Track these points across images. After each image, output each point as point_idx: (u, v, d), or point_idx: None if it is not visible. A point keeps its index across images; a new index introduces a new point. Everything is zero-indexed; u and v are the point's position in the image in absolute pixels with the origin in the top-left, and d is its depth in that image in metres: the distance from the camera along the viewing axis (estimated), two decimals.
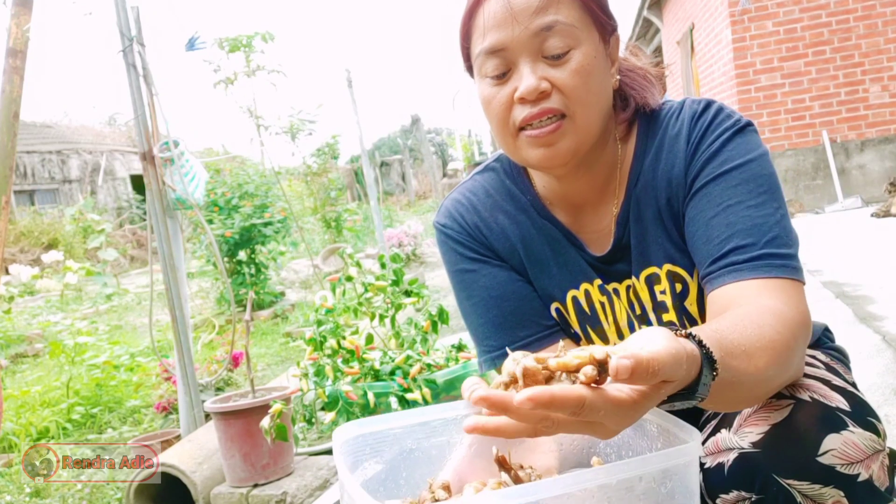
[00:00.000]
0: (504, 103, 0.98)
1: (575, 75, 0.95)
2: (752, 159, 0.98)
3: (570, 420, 0.62)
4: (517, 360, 0.64)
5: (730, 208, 0.96)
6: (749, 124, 1.01)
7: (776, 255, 0.92)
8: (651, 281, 1.07)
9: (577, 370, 0.61)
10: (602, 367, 0.60)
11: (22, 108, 2.30)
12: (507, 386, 0.64)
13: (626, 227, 1.07)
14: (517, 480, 0.74)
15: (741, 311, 0.84)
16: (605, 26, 1.01)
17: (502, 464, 0.75)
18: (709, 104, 1.03)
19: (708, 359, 0.70)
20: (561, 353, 0.64)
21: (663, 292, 1.06)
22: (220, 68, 5.59)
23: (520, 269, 1.13)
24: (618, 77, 1.05)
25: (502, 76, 0.98)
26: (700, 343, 0.70)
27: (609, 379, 0.61)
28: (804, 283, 0.94)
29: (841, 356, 1.13)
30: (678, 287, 1.05)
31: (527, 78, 0.95)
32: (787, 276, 0.91)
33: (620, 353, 0.60)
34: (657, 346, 0.62)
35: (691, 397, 0.69)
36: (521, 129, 0.98)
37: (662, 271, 1.06)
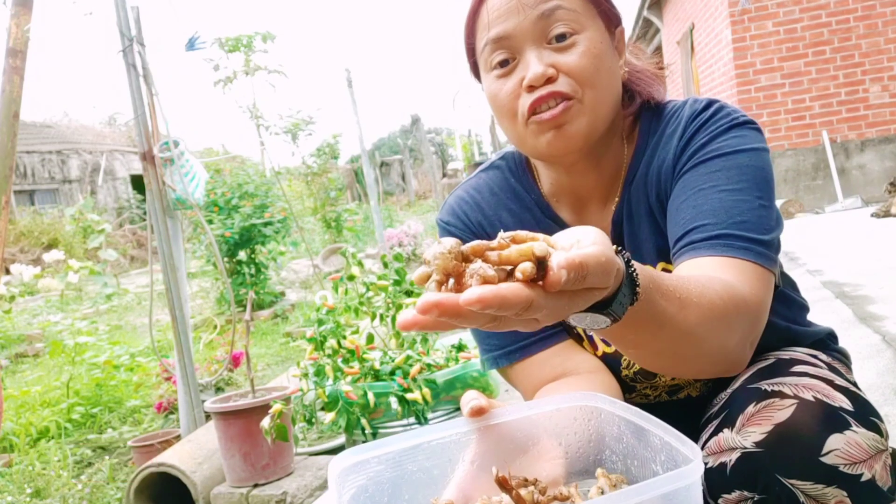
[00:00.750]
0: (511, 93, 0.97)
1: (581, 58, 0.94)
2: (740, 150, 0.95)
3: (508, 318, 0.58)
4: (452, 251, 0.58)
5: (701, 192, 0.94)
6: (749, 122, 0.99)
7: (738, 237, 0.89)
8: None
9: (516, 264, 0.57)
10: (540, 263, 0.56)
11: (22, 108, 2.30)
12: (439, 284, 0.58)
13: (620, 227, 1.07)
14: (518, 501, 0.73)
15: (689, 274, 0.83)
16: (609, 17, 1.00)
17: (503, 485, 0.73)
18: (710, 103, 1.01)
19: (630, 280, 0.67)
20: (502, 241, 0.60)
21: None
22: (219, 68, 5.59)
23: None
24: (626, 69, 1.04)
25: (507, 64, 0.97)
26: (627, 262, 0.67)
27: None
28: (771, 271, 0.90)
29: (843, 358, 1.13)
30: None
31: (533, 65, 0.94)
32: (749, 258, 0.88)
33: (557, 258, 0.56)
34: (589, 249, 0.59)
35: (604, 311, 0.66)
36: (529, 115, 0.97)
37: (657, 269, 1.05)
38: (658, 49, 13.11)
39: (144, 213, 5.71)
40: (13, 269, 8.86)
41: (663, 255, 1.04)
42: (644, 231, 1.05)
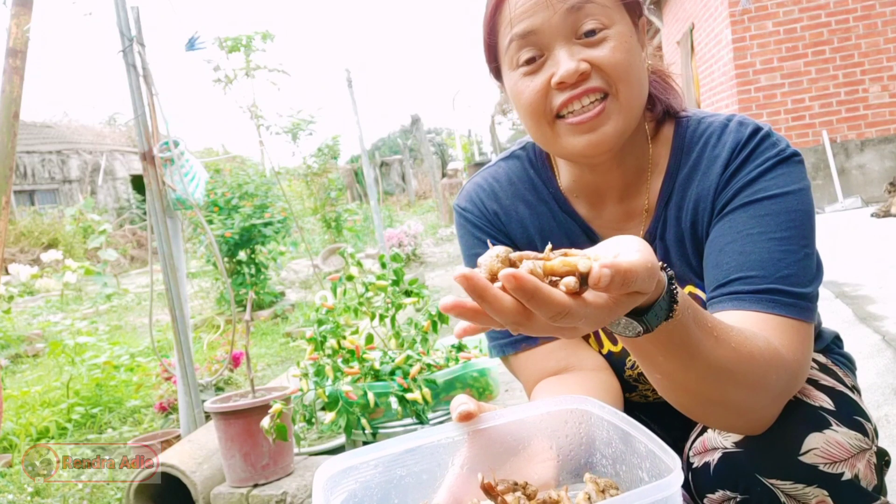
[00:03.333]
0: (539, 91, 0.94)
1: (615, 51, 0.91)
2: (789, 192, 0.92)
3: (545, 323, 0.60)
4: (499, 256, 0.62)
5: (749, 237, 0.90)
6: (795, 154, 0.95)
7: (785, 293, 0.86)
8: None
9: (561, 276, 0.61)
10: (583, 278, 0.60)
11: (22, 108, 2.30)
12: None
13: (653, 245, 1.04)
14: None
15: (733, 323, 0.81)
16: (634, 9, 0.98)
17: (488, 491, 0.73)
18: (756, 131, 0.97)
19: (669, 295, 0.68)
20: (547, 255, 0.63)
21: None
22: (220, 68, 5.59)
23: None
24: (649, 62, 1.02)
25: (534, 61, 0.94)
26: (670, 278, 0.68)
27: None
28: (813, 324, 0.88)
29: (846, 361, 1.13)
30: None
31: (564, 62, 0.91)
32: (793, 315, 0.85)
33: (601, 261, 0.59)
34: (634, 255, 0.61)
35: (639, 318, 0.67)
36: (559, 116, 0.94)
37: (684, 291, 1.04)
38: (658, 49, 13.11)
39: (144, 213, 5.71)
40: (12, 269, 8.86)
41: (689, 280, 1.04)
42: (674, 254, 1.04)
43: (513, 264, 0.62)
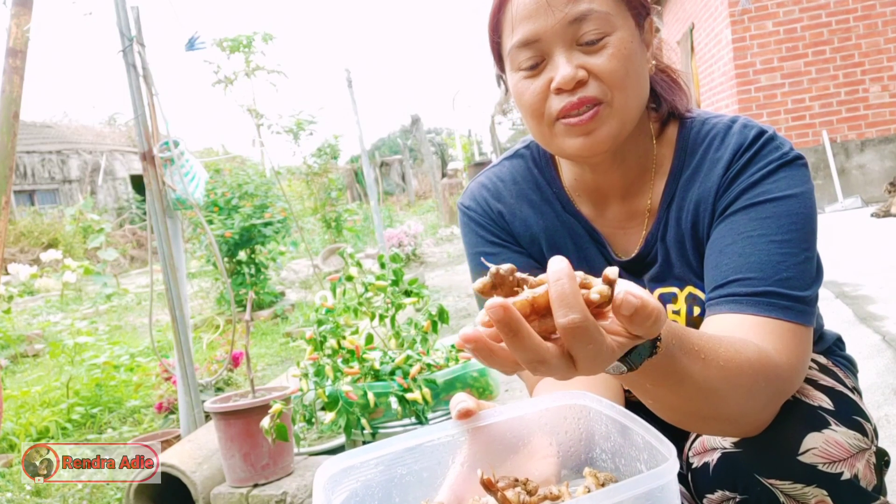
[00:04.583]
0: (538, 94, 0.95)
1: (612, 60, 0.92)
2: (791, 195, 0.92)
3: (557, 363, 0.59)
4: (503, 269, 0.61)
5: (749, 239, 0.91)
6: (798, 157, 0.95)
7: (782, 296, 0.86)
8: (666, 299, 1.05)
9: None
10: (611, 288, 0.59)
11: (22, 108, 2.30)
12: (492, 287, 0.62)
13: (653, 247, 1.06)
14: (504, 502, 0.72)
15: (723, 334, 0.80)
16: (639, 11, 0.98)
17: (488, 487, 0.73)
18: (759, 134, 0.97)
19: None
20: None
21: (676, 312, 1.04)
22: (220, 69, 5.59)
23: (539, 258, 1.12)
24: (653, 62, 1.02)
25: (536, 67, 0.95)
26: None
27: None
28: (811, 328, 0.88)
29: (847, 364, 1.12)
30: (696, 310, 1.03)
31: (563, 68, 0.92)
32: (789, 319, 0.85)
33: (628, 289, 0.58)
34: (651, 297, 0.60)
35: (622, 359, 0.66)
36: (557, 118, 0.95)
37: (682, 293, 1.04)
38: (660, 45, 13.08)
39: (144, 213, 5.71)
40: (11, 269, 8.86)
41: (689, 281, 1.03)
42: (674, 254, 1.04)
43: (518, 283, 0.62)
